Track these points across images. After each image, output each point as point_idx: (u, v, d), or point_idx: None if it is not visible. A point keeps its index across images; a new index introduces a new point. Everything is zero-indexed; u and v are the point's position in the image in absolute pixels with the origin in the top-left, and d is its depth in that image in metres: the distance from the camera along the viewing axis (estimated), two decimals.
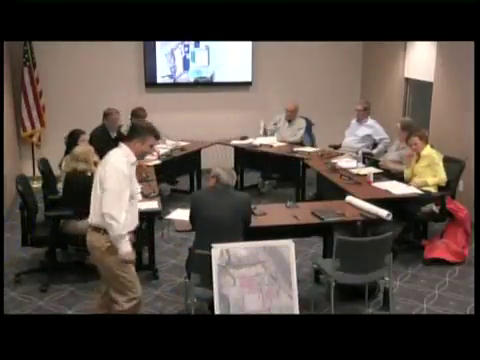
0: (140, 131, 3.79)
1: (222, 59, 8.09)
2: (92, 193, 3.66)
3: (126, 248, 3.53)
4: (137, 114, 6.66)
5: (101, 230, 3.57)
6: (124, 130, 6.56)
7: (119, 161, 3.59)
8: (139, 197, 3.76)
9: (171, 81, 8.06)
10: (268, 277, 3.84)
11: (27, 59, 7.28)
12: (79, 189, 4.81)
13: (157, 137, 3.90)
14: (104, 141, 5.93)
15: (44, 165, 5.55)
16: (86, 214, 4.71)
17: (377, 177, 5.58)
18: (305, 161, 6.60)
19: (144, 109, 6.70)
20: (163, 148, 6.75)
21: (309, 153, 6.73)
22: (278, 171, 7.31)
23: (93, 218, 3.63)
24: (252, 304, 3.79)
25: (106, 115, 6.29)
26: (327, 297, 4.32)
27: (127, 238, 3.54)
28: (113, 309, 3.71)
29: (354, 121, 6.90)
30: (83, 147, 5.14)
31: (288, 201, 4.95)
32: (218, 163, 4.35)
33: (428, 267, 5.22)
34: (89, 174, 4.94)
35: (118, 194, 3.51)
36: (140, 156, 3.81)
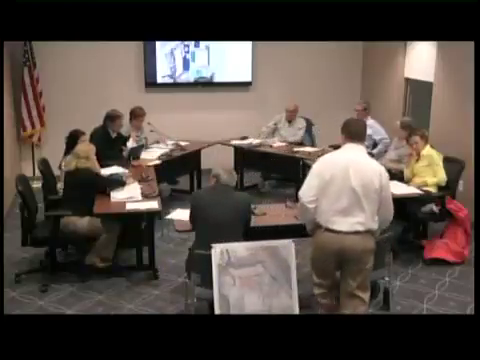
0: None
1: (222, 59, 8.09)
2: (364, 199, 3.53)
3: None
4: (136, 113, 6.66)
5: (371, 233, 3.63)
6: (124, 131, 6.60)
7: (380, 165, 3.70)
8: None
9: (171, 81, 8.06)
10: (268, 277, 3.84)
11: (27, 59, 7.27)
12: (79, 187, 4.83)
13: None
14: (104, 141, 5.94)
15: (44, 165, 5.54)
16: (87, 212, 4.76)
17: None
18: (305, 161, 6.60)
19: (142, 108, 6.69)
20: (163, 148, 6.75)
21: (309, 153, 6.73)
22: (278, 171, 7.31)
23: (367, 223, 3.58)
24: (252, 304, 3.79)
25: (113, 118, 6.18)
26: None
27: None
28: (359, 310, 3.72)
29: None
30: (85, 145, 5.15)
31: (288, 201, 4.95)
32: (218, 163, 4.34)
33: (428, 267, 5.22)
34: (92, 171, 4.96)
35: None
36: None
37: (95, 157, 5.10)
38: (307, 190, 3.67)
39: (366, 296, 3.73)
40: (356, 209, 3.54)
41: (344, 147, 3.69)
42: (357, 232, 3.57)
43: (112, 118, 6.21)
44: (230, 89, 8.23)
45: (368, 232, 3.60)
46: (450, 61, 6.35)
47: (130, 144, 6.45)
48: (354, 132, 3.65)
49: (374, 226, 3.62)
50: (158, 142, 6.93)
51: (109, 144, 6.04)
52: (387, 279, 4.36)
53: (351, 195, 3.53)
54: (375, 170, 3.58)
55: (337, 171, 3.56)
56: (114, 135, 6.29)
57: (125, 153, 6.20)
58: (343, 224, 3.57)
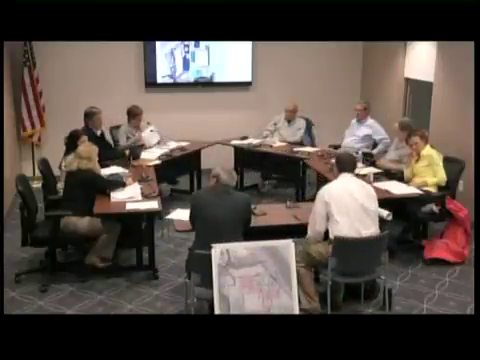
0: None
1: (222, 59, 8.09)
2: (360, 208, 4.15)
3: None
4: (133, 112, 6.65)
5: None
6: (123, 131, 6.60)
7: None
8: None
9: (171, 81, 8.06)
10: (268, 277, 3.84)
11: (27, 59, 7.27)
12: (79, 187, 4.83)
13: None
14: (91, 140, 5.77)
15: (44, 165, 5.54)
16: (87, 212, 4.76)
17: (377, 177, 5.58)
18: (305, 161, 6.60)
19: (138, 106, 6.68)
20: (163, 148, 6.75)
21: (309, 153, 6.72)
22: (278, 171, 7.31)
23: (377, 230, 4.24)
24: (252, 304, 3.79)
25: (90, 115, 6.16)
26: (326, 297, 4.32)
27: None
28: None
29: (354, 121, 6.90)
30: (87, 146, 5.15)
31: (288, 201, 4.95)
32: (218, 163, 4.34)
33: (428, 267, 5.22)
34: (92, 172, 4.96)
35: None
36: None
37: (97, 158, 5.10)
38: (318, 219, 4.21)
39: None
40: (367, 220, 4.17)
41: (340, 177, 4.33)
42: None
43: (89, 115, 6.19)
44: (230, 89, 8.23)
45: None
46: (450, 61, 6.35)
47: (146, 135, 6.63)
48: (346, 164, 4.35)
49: (374, 230, 4.21)
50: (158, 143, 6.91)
51: (96, 143, 5.83)
52: (383, 278, 4.36)
53: (359, 210, 4.14)
54: (370, 188, 4.34)
55: (342, 194, 4.17)
56: (99, 132, 6.27)
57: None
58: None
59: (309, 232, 4.30)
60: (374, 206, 4.24)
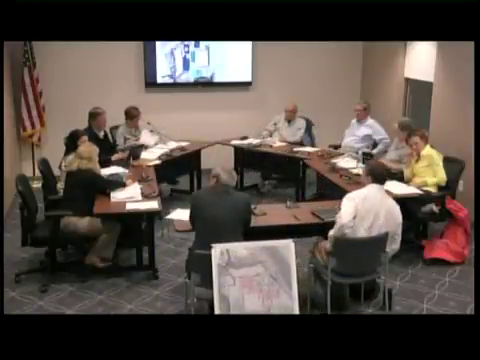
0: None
1: (222, 59, 8.09)
2: (377, 232, 4.19)
3: None
4: (132, 114, 6.65)
5: None
6: (121, 132, 6.60)
7: None
8: None
9: (171, 81, 8.06)
10: (268, 277, 3.84)
11: (27, 59, 7.27)
12: (80, 187, 4.83)
13: None
14: (91, 141, 5.74)
15: (44, 165, 5.54)
16: (87, 212, 4.76)
17: None
18: (305, 161, 6.60)
19: (137, 108, 6.69)
20: (163, 148, 6.75)
21: (309, 153, 6.73)
22: (278, 171, 7.31)
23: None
24: (252, 304, 3.79)
25: (94, 115, 6.18)
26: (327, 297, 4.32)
27: None
28: None
29: (354, 121, 6.90)
30: (87, 146, 5.15)
31: (288, 201, 4.96)
32: (218, 163, 4.35)
33: (428, 267, 5.22)
34: (93, 172, 4.96)
35: None
36: None
37: (97, 158, 5.10)
38: (345, 214, 4.15)
39: None
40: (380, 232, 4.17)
41: (371, 186, 4.28)
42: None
43: (93, 116, 6.20)
44: (230, 89, 8.23)
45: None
46: (450, 61, 6.35)
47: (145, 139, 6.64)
48: (380, 177, 4.31)
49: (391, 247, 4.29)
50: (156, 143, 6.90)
51: (97, 145, 5.58)
52: (383, 278, 4.36)
53: (376, 232, 4.16)
54: (399, 215, 4.26)
55: (370, 211, 4.16)
56: (102, 134, 6.27)
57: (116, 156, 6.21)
58: None
59: (332, 232, 4.24)
60: (393, 226, 4.22)
